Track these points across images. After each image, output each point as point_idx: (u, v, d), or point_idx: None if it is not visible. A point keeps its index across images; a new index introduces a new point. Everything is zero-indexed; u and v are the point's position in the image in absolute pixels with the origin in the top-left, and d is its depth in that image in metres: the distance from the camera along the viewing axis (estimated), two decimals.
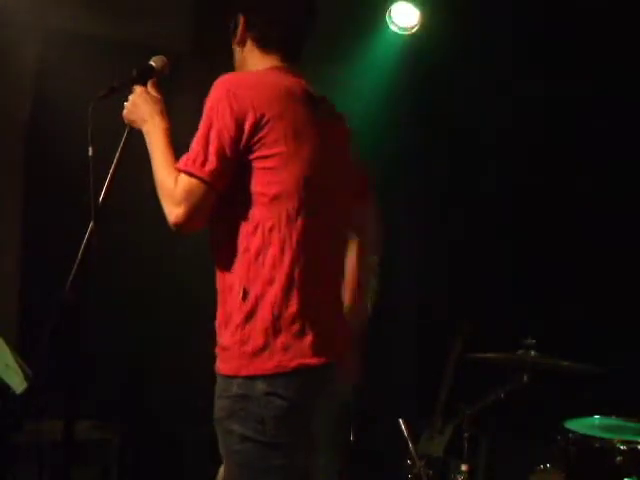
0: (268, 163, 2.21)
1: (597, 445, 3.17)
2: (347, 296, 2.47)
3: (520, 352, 3.54)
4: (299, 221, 2.22)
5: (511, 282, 4.71)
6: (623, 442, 3.11)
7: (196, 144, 2.20)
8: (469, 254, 4.80)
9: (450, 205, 4.96)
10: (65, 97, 4.05)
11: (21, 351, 3.28)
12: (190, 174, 2.17)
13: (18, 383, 3.14)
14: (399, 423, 3.77)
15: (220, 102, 2.20)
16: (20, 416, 3.48)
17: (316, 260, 2.25)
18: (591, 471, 3.18)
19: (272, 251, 2.20)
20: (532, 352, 3.51)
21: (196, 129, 2.50)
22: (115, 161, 2.32)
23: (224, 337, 2.24)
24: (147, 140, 2.32)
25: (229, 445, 2.20)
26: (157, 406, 4.52)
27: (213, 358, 2.31)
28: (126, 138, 2.36)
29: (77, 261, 2.23)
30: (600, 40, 4.23)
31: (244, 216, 2.22)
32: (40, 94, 4.38)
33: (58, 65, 4.26)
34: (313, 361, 2.19)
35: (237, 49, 2.45)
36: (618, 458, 3.09)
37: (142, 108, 2.34)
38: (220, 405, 2.22)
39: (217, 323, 2.29)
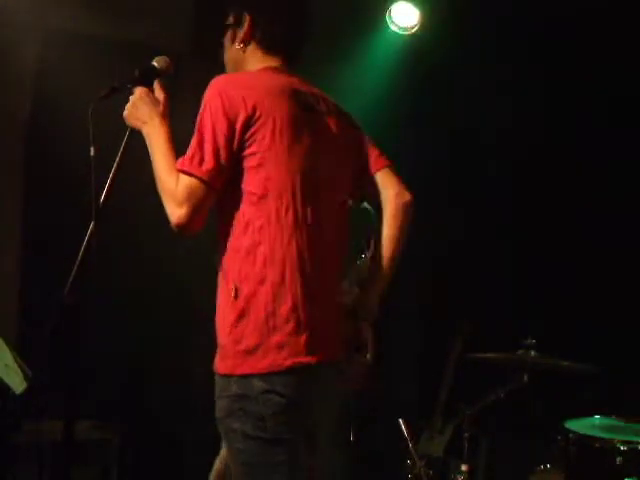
0: (257, 160, 2.22)
1: (597, 445, 3.17)
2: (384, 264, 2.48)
3: (520, 352, 3.54)
4: (289, 219, 2.23)
5: (511, 282, 4.72)
6: (623, 442, 3.11)
7: (193, 144, 2.22)
8: (469, 254, 4.80)
9: (450, 205, 4.96)
10: (65, 97, 4.05)
11: (21, 351, 3.28)
12: (189, 174, 2.19)
13: (18, 383, 3.14)
14: (399, 423, 3.77)
15: (213, 101, 2.22)
16: (20, 416, 3.48)
17: (310, 258, 2.25)
18: (591, 471, 3.18)
19: (262, 249, 2.21)
20: (532, 352, 3.51)
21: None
22: (116, 162, 2.32)
23: (220, 336, 2.26)
24: (147, 142, 2.32)
25: (232, 444, 2.22)
26: (157, 406, 4.51)
27: (213, 358, 2.31)
28: (127, 139, 2.36)
29: (77, 261, 2.23)
30: (600, 40, 4.22)
31: (235, 215, 2.24)
32: (40, 94, 4.38)
33: (58, 65, 4.26)
34: (307, 359, 2.19)
35: (235, 48, 2.46)
36: (618, 458, 3.08)
37: (141, 109, 2.34)
38: (220, 405, 2.23)
39: (216, 322, 2.30)
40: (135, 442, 4.22)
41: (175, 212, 2.18)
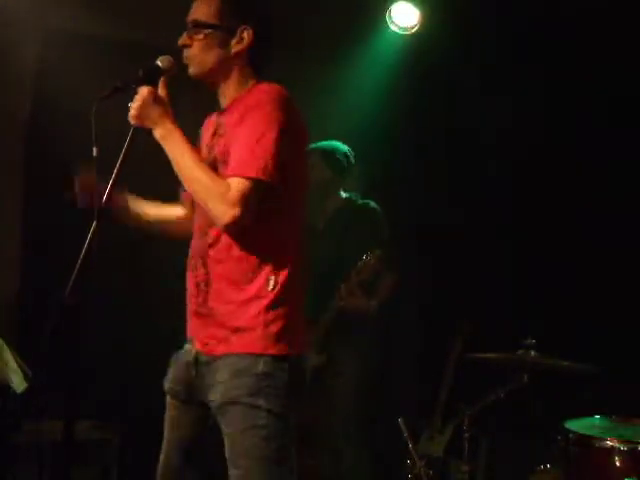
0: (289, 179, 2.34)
1: (597, 445, 3.16)
2: None
3: (520, 352, 3.53)
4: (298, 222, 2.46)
5: (511, 282, 4.71)
6: (623, 442, 3.10)
7: (254, 148, 2.26)
8: (469, 254, 4.80)
9: (450, 205, 4.96)
10: (65, 97, 4.05)
11: (21, 351, 3.28)
12: (247, 177, 2.25)
13: (18, 383, 3.15)
14: (399, 423, 3.77)
15: (278, 111, 2.29)
16: (20, 416, 3.48)
17: (302, 261, 2.44)
18: (591, 471, 3.17)
19: (291, 245, 2.41)
20: (532, 352, 3.51)
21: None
22: (119, 162, 2.31)
23: (242, 319, 2.33)
24: (165, 143, 2.33)
25: (254, 420, 2.28)
26: (157, 406, 4.50)
27: None
28: (130, 139, 2.34)
29: (79, 262, 2.22)
30: (600, 40, 4.22)
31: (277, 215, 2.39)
32: (40, 94, 4.38)
33: (58, 65, 4.26)
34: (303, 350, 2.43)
35: (225, 55, 2.43)
36: (618, 458, 3.08)
37: (151, 109, 2.33)
38: (238, 383, 2.29)
39: (226, 308, 2.36)
40: (135, 442, 4.21)
41: (228, 212, 2.25)
